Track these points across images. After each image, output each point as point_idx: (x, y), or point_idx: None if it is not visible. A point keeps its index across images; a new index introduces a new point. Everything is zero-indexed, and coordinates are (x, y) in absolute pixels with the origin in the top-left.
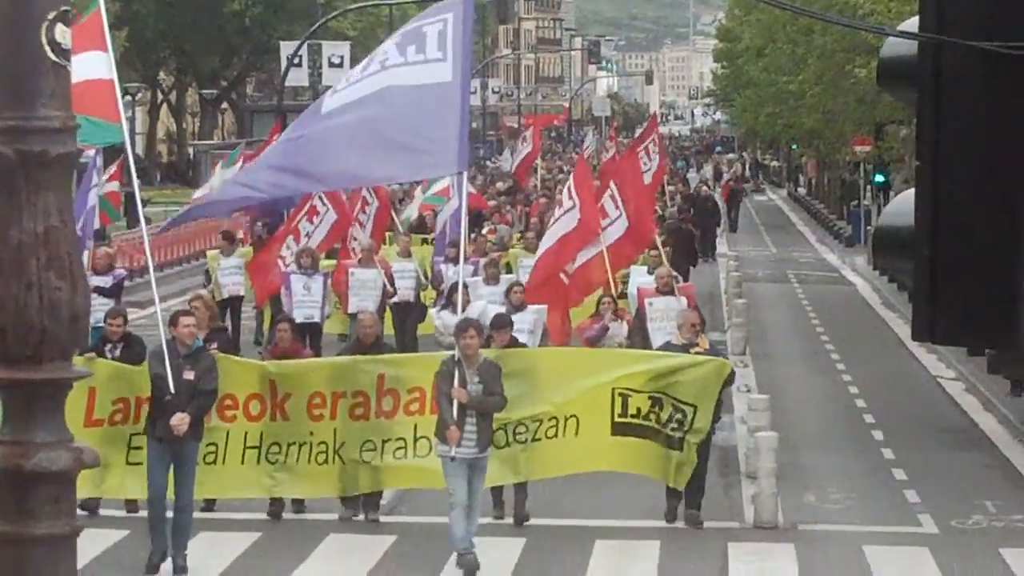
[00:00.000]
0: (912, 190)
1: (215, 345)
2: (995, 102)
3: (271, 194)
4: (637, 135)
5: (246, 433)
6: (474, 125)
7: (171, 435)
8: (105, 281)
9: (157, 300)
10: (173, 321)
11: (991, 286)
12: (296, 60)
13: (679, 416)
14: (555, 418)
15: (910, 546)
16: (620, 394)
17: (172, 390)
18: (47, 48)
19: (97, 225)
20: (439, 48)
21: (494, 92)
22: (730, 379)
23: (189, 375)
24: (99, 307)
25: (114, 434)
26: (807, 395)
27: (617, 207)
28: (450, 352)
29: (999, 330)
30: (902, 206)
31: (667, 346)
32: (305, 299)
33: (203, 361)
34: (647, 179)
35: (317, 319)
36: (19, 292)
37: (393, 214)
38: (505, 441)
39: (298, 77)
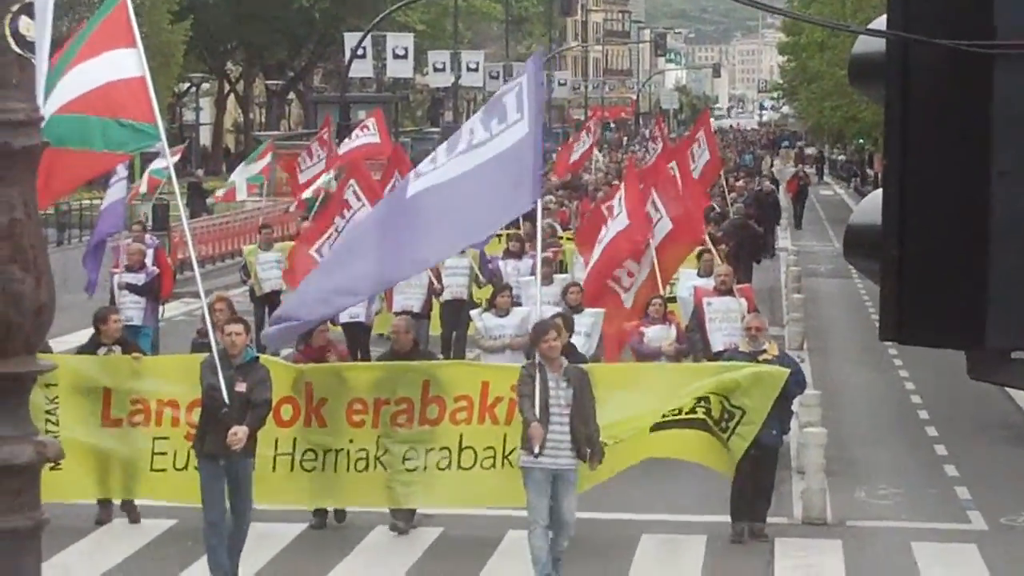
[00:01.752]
0: (880, 189)
1: None
2: (961, 101)
3: (365, 293)
4: (688, 132)
5: (276, 439)
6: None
7: (225, 451)
8: (137, 278)
9: (203, 295)
10: (219, 328)
11: (958, 286)
12: (360, 52)
13: (727, 415)
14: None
15: (959, 543)
16: (665, 415)
17: (227, 402)
18: (10, 40)
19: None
20: (517, 110)
21: (560, 84)
22: (801, 386)
23: (241, 387)
24: (131, 305)
25: (135, 436)
26: (862, 390)
27: (658, 210)
28: (498, 354)
29: (966, 330)
30: (872, 204)
31: (734, 353)
32: None
33: (255, 372)
34: (695, 174)
35: (363, 318)
36: None
37: None
38: None
39: (363, 68)
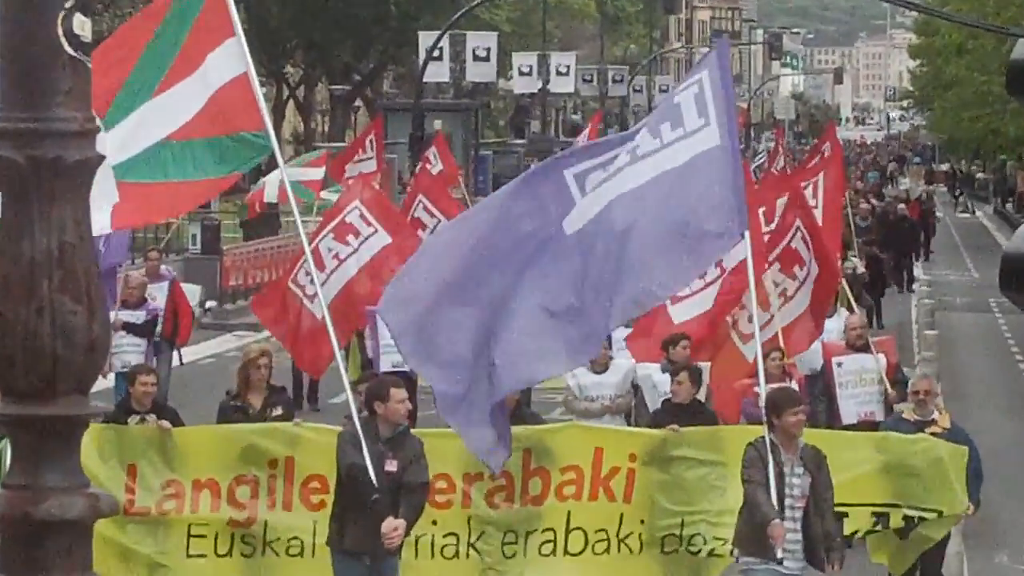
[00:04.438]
0: None
1: (278, 411)
2: None
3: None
4: (811, 146)
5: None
6: None
7: (374, 547)
8: (136, 316)
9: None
10: (377, 394)
11: None
12: (437, 53)
13: (911, 524)
14: None
15: None
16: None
17: (375, 485)
18: (63, 40)
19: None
20: (700, 115)
21: (662, 91)
22: (979, 477)
23: (392, 466)
24: (129, 348)
25: (166, 528)
26: (1005, 442)
27: (808, 249)
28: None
29: None
30: None
31: (897, 423)
32: (392, 342)
33: (409, 446)
34: (818, 199)
35: (408, 368)
36: (29, 316)
37: None
38: (675, 546)
39: (439, 72)
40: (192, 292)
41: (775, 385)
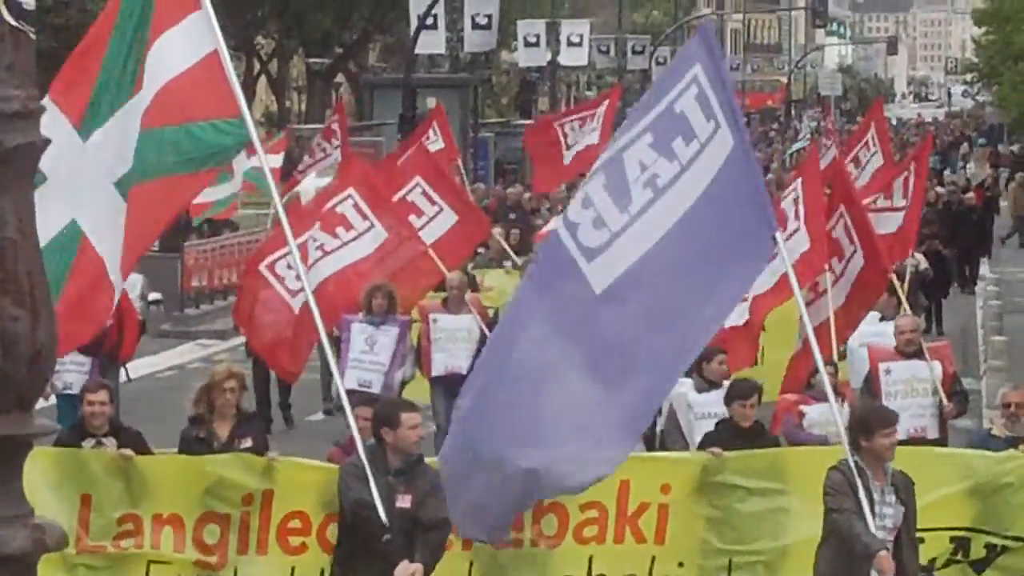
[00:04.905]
0: None
1: (247, 443)
2: None
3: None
4: (857, 127)
5: (323, 570)
6: None
7: None
8: None
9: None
10: (386, 419)
11: None
12: (430, 21)
13: (994, 552)
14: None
15: None
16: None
17: (386, 524)
18: (2, 8)
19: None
20: (708, 118)
21: None
22: None
23: (405, 501)
24: (71, 367)
25: (119, 560)
26: None
27: (852, 240)
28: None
29: None
30: None
31: (986, 440)
32: (364, 358)
33: (423, 478)
34: (861, 184)
35: (375, 388)
36: None
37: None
38: None
39: (433, 42)
40: (133, 284)
41: (824, 405)
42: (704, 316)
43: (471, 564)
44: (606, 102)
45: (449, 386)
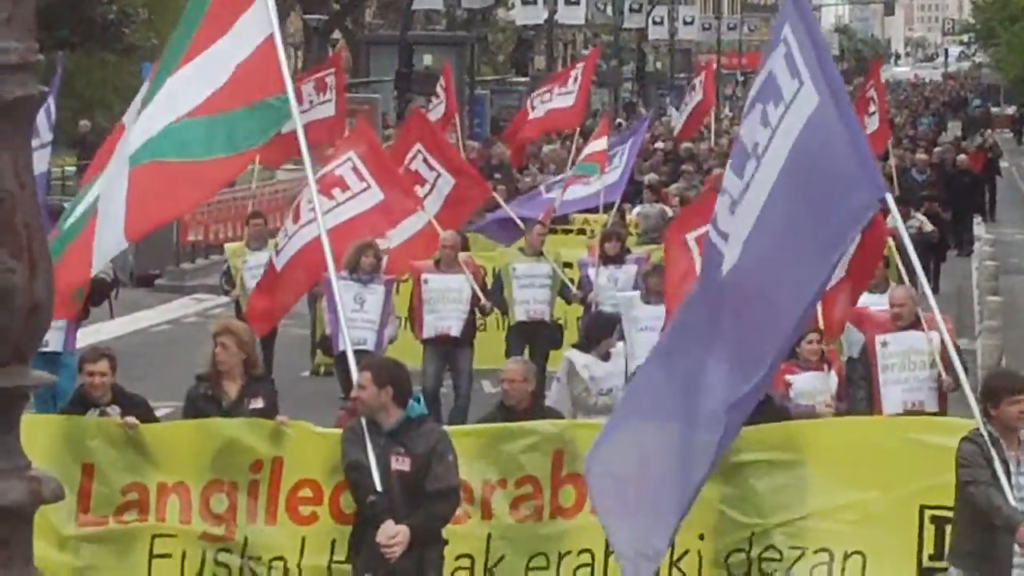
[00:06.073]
0: None
1: (258, 403)
2: None
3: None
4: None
5: (334, 541)
6: (659, 65)
7: (379, 564)
8: None
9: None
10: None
11: None
12: None
13: None
14: (827, 551)
15: None
16: (934, 518)
17: (379, 488)
18: None
19: None
20: (792, 76)
21: (687, 23)
22: None
23: (401, 463)
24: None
25: (126, 540)
26: None
27: None
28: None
29: None
30: None
31: None
32: (355, 316)
33: (424, 439)
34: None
35: (370, 345)
36: None
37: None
38: (744, 569)
39: None
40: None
41: (810, 374)
42: (806, 291)
43: (488, 536)
44: (581, 64)
45: (438, 348)
